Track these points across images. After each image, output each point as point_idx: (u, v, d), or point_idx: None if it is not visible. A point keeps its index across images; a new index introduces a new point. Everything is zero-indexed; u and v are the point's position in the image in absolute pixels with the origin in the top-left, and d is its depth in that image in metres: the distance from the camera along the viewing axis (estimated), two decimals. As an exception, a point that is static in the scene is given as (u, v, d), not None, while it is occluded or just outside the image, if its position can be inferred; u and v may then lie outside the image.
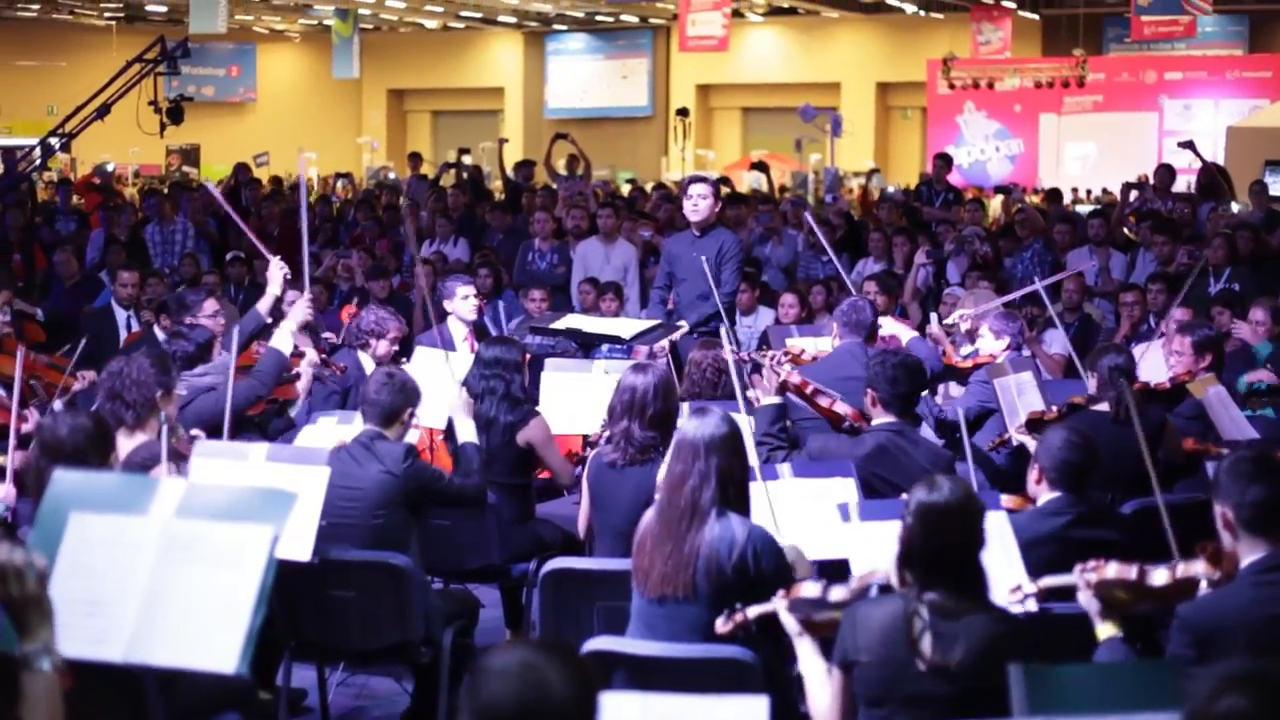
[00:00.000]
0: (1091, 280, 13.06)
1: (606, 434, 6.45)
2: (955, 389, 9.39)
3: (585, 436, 7.33)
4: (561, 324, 9.81)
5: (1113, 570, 4.43)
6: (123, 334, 11.16)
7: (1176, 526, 5.20)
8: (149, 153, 30.69)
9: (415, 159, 23.36)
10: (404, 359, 8.91)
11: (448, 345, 9.14)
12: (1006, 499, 5.99)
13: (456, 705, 2.94)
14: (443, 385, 7.62)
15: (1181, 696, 3.86)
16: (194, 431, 6.88)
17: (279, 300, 8.38)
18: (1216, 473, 4.51)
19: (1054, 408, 7.71)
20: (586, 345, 9.94)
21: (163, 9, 35.27)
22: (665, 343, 9.59)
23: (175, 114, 16.49)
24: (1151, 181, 17.18)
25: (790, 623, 4.58)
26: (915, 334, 8.74)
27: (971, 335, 9.42)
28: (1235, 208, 15.56)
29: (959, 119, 34.41)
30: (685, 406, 6.94)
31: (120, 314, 11.37)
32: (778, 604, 4.60)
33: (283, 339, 7.84)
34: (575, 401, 8.05)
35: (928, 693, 4.24)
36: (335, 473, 6.11)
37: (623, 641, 5.13)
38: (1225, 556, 4.45)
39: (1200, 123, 30.02)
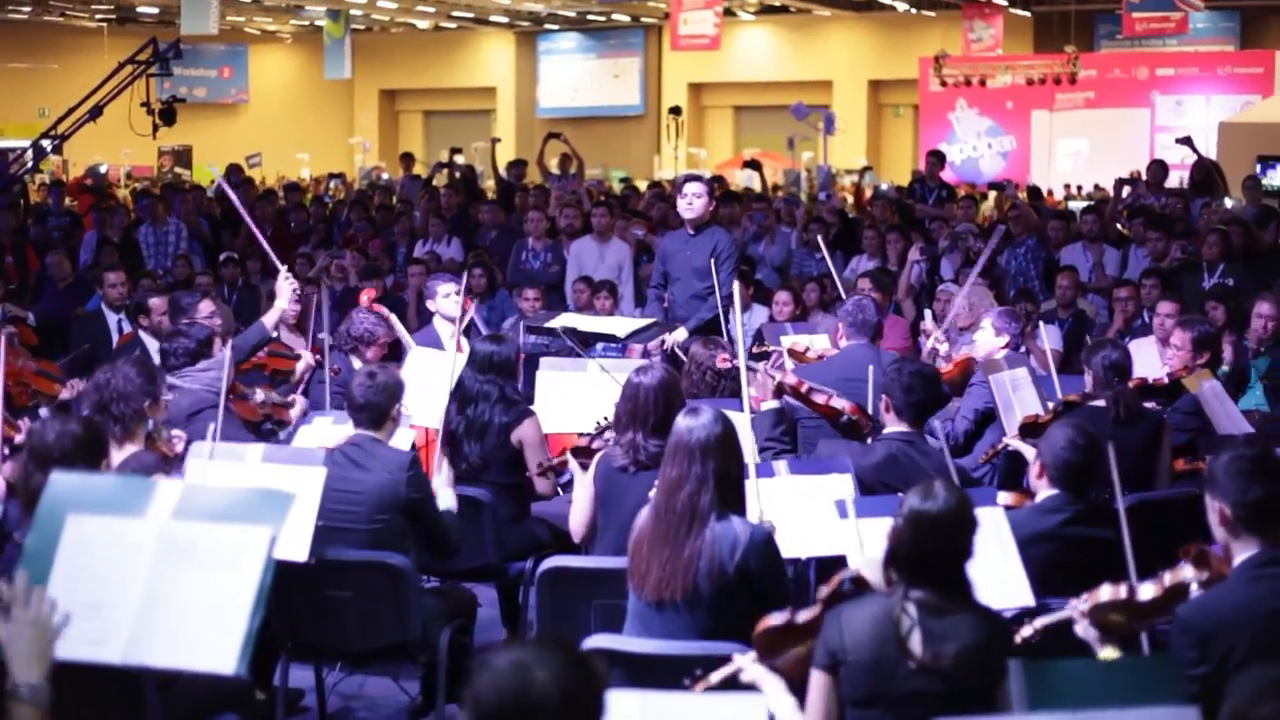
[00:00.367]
0: (1085, 277, 13.07)
1: (614, 437, 6.40)
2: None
3: (592, 436, 7.25)
4: (556, 323, 9.81)
5: (1104, 593, 4.45)
6: (114, 336, 11.11)
7: (1174, 522, 5.21)
8: (141, 154, 30.66)
9: (408, 159, 23.36)
10: (395, 364, 8.92)
11: (435, 345, 9.16)
12: (1005, 496, 5.99)
13: (460, 701, 2.94)
14: (437, 384, 7.64)
15: (1180, 691, 3.88)
16: (174, 433, 6.87)
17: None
18: (1213, 468, 4.50)
19: (1050, 405, 7.72)
20: (581, 344, 9.94)
21: (154, 10, 35.26)
22: (669, 342, 9.61)
23: (168, 115, 16.51)
24: (1144, 178, 17.21)
25: (756, 673, 4.50)
26: None
27: (970, 331, 9.42)
28: (1228, 203, 15.57)
29: (951, 116, 34.45)
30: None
31: (111, 317, 11.33)
32: (740, 661, 4.52)
33: (269, 319, 8.36)
34: (570, 400, 8.04)
35: (919, 691, 4.22)
36: (332, 475, 6.11)
37: (621, 640, 5.13)
38: (1210, 557, 4.46)
39: (1192, 119, 30.06)
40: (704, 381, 7.69)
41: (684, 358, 8.20)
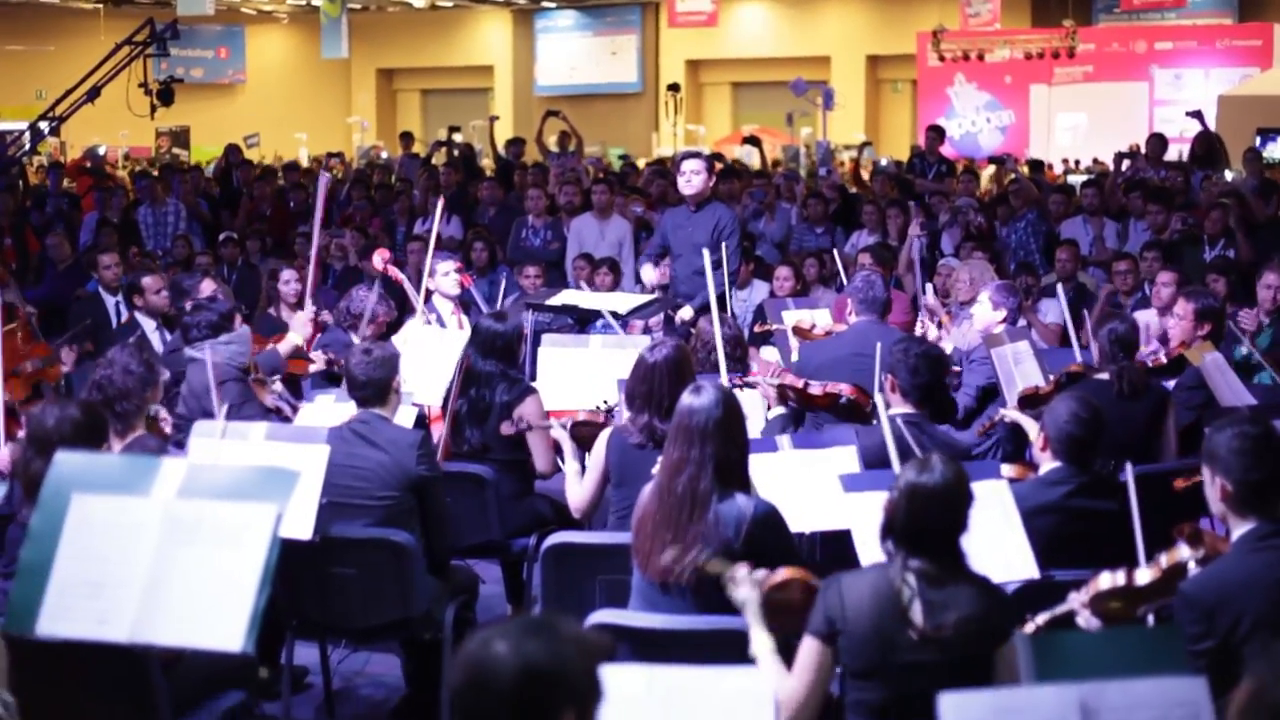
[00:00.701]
0: (1086, 250, 13.06)
1: (629, 416, 6.38)
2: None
3: (608, 412, 7.22)
4: (557, 300, 9.81)
5: (1103, 582, 4.44)
6: (114, 318, 11.09)
7: (1178, 495, 5.21)
8: (138, 135, 30.61)
9: (407, 138, 23.33)
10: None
11: (437, 322, 9.18)
12: (1008, 469, 5.99)
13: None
14: (439, 362, 7.64)
15: (1184, 661, 3.89)
16: (164, 415, 6.87)
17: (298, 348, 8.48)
18: (1215, 443, 4.48)
19: (1051, 378, 7.72)
20: (582, 321, 9.95)
21: (150, -9, 35.20)
22: (677, 319, 9.63)
23: (166, 96, 16.46)
24: (1143, 151, 17.19)
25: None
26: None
27: (969, 306, 9.42)
28: (1229, 175, 15.56)
29: (949, 91, 34.40)
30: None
31: (109, 299, 11.32)
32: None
33: (283, 347, 8.32)
34: (572, 377, 8.04)
35: (920, 661, 4.22)
36: (339, 452, 6.11)
37: (626, 615, 5.13)
38: (1205, 535, 4.47)
39: (1191, 92, 30.00)
40: (709, 361, 7.71)
41: (693, 333, 8.20)
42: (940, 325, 9.89)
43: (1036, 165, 21.10)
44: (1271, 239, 12.58)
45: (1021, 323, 9.22)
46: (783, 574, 4.49)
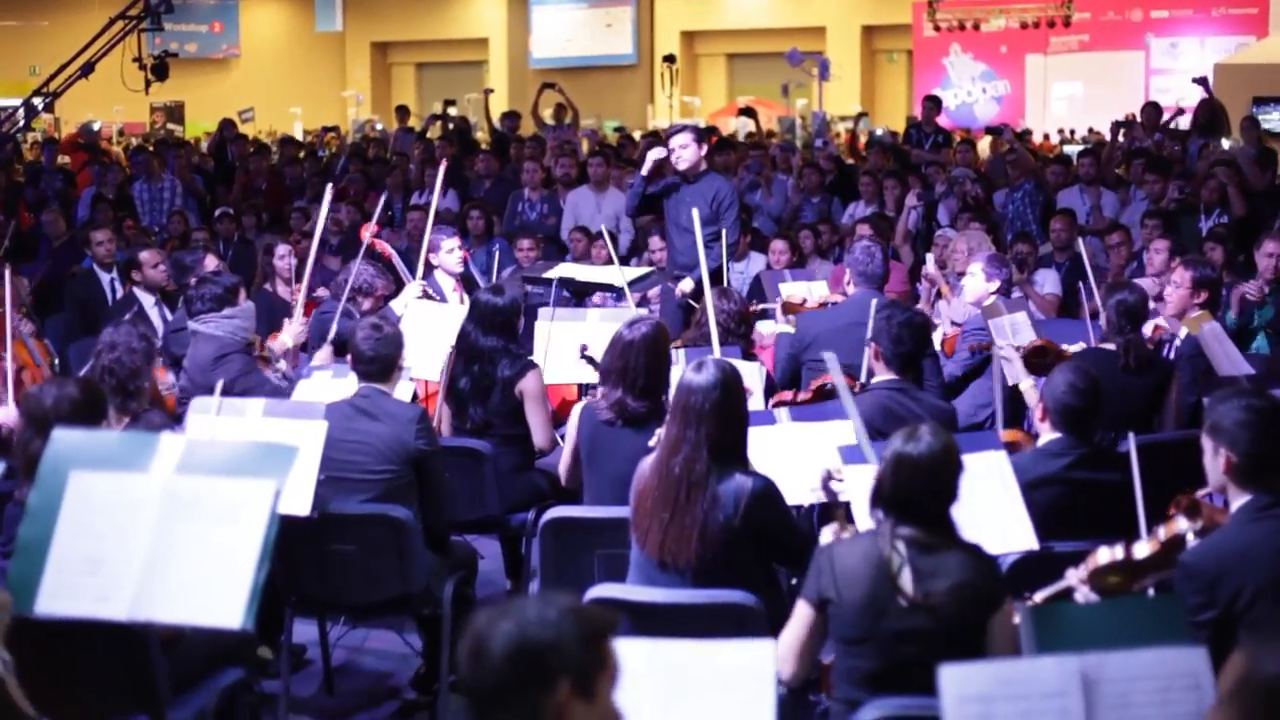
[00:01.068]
0: (1083, 220, 13.05)
1: (601, 391, 6.39)
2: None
3: (582, 387, 7.26)
4: (554, 273, 9.79)
5: (1102, 556, 4.45)
6: (109, 295, 11.06)
7: (1179, 465, 5.20)
8: (133, 111, 30.54)
9: (402, 112, 23.28)
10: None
11: (438, 297, 9.16)
12: (1005, 433, 5.98)
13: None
14: (438, 337, 7.62)
15: (1185, 632, 3.89)
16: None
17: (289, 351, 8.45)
18: (1221, 415, 4.47)
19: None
20: (579, 294, 9.93)
21: (143, -34, 35.02)
22: (678, 291, 9.62)
23: (160, 70, 16.42)
24: (1139, 120, 17.18)
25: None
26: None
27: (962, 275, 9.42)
28: (1226, 144, 15.54)
29: (945, 61, 34.32)
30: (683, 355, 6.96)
31: (104, 276, 11.28)
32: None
33: (277, 346, 8.23)
34: (569, 351, 8.02)
35: (911, 629, 4.26)
36: (340, 427, 6.10)
37: (625, 589, 5.14)
38: (1202, 506, 4.47)
39: (1187, 60, 29.93)
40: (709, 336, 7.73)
41: (695, 305, 8.18)
42: (940, 295, 9.89)
43: (1020, 136, 21.05)
44: (1269, 207, 12.58)
45: (1016, 294, 9.21)
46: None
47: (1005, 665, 3.51)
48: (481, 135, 22.71)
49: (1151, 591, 4.50)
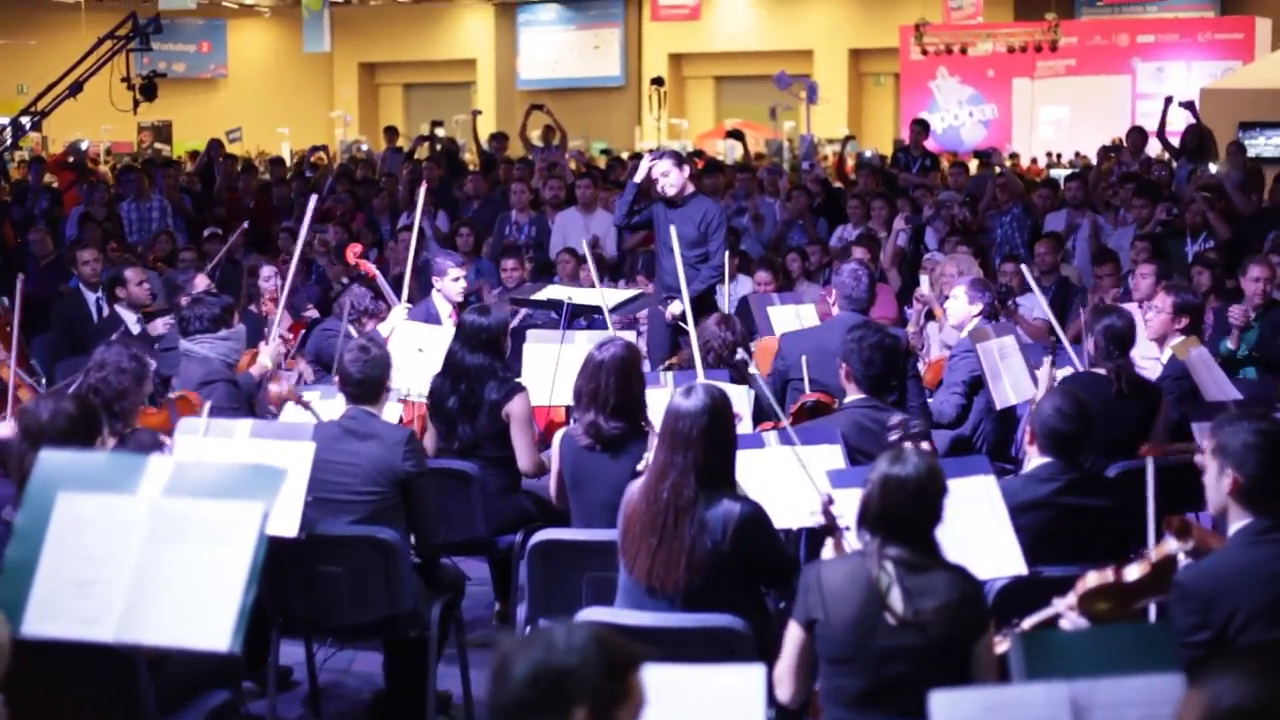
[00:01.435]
0: (1071, 245, 13.08)
1: (576, 415, 6.39)
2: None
3: (569, 409, 7.25)
4: (543, 295, 9.79)
5: (1091, 580, 4.45)
6: (94, 315, 11.03)
7: (1167, 488, 5.20)
8: (121, 130, 30.54)
9: (391, 132, 23.30)
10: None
11: (434, 320, 9.15)
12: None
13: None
14: (426, 359, 7.61)
15: (1175, 659, 3.88)
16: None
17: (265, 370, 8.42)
18: (1229, 435, 4.45)
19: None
20: (568, 316, 9.92)
21: (131, -15, 35.06)
22: (669, 315, 9.61)
23: (149, 90, 16.41)
24: (1125, 145, 17.23)
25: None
26: None
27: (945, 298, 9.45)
28: (1213, 168, 15.58)
29: (932, 85, 34.41)
30: (670, 378, 6.95)
31: (90, 296, 11.27)
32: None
33: (256, 370, 8.10)
34: (557, 373, 8.02)
35: (899, 647, 4.27)
36: (327, 448, 6.09)
37: (613, 612, 5.13)
38: (1193, 528, 4.47)
39: (1173, 85, 29.97)
40: (710, 360, 7.75)
41: (686, 327, 8.17)
42: (933, 317, 9.91)
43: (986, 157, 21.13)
44: (1255, 231, 12.62)
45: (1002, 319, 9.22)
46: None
47: (995, 692, 3.51)
48: (470, 156, 22.73)
49: (1154, 612, 4.50)
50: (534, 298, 9.80)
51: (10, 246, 15.45)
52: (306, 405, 7.19)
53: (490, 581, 7.70)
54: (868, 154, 23.98)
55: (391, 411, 7.17)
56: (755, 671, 3.63)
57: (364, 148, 30.85)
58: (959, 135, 33.59)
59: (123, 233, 15.20)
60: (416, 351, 8.04)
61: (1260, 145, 19.82)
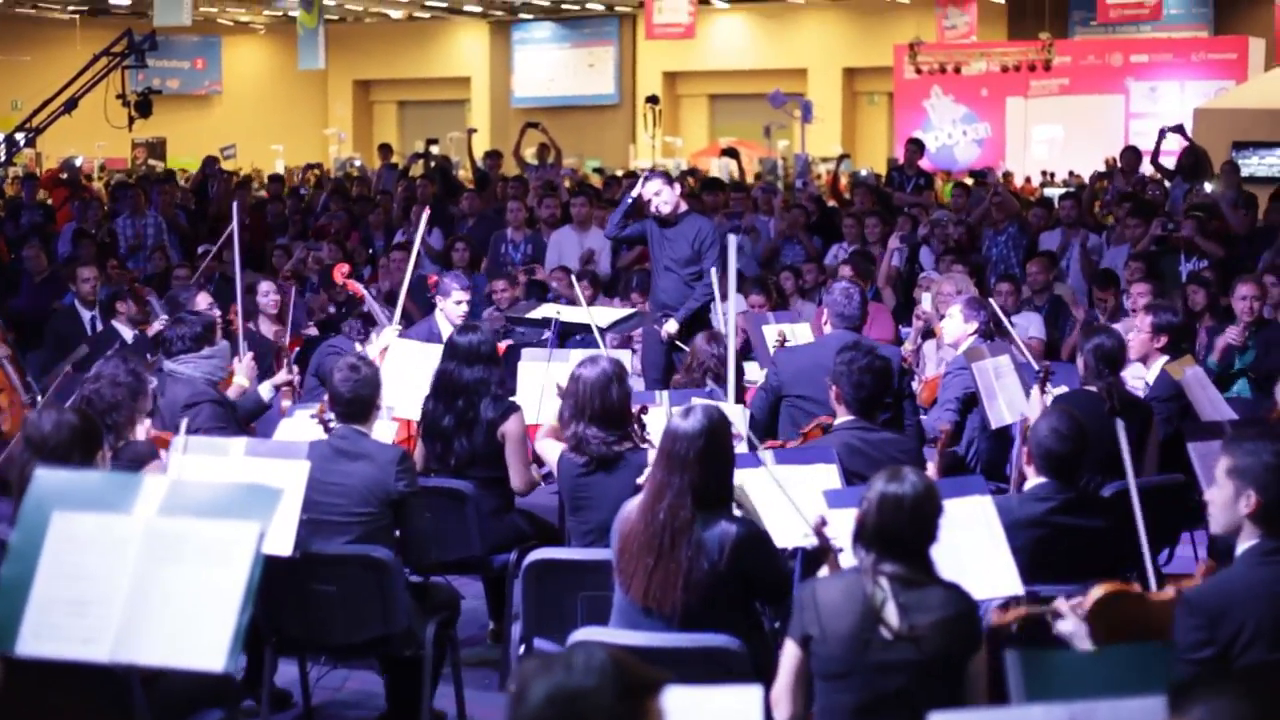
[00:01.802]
0: (1065, 264, 13.09)
1: (565, 433, 6.37)
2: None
3: None
4: (538, 313, 9.78)
5: (1108, 588, 4.48)
6: (89, 332, 11.03)
7: (1159, 509, 5.21)
8: (115, 147, 30.56)
9: (385, 150, 23.32)
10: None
11: (435, 339, 9.12)
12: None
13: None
14: (417, 375, 7.60)
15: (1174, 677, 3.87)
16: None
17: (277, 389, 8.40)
18: (1242, 453, 4.42)
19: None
20: (562, 334, 9.92)
21: (126, 2, 35.10)
22: (664, 334, 9.61)
23: (144, 107, 16.44)
24: (1119, 165, 17.25)
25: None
26: None
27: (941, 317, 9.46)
28: (1208, 188, 15.62)
29: (926, 104, 34.46)
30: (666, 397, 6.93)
31: (85, 313, 11.26)
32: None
33: (264, 390, 8.15)
34: (548, 392, 8.00)
35: (894, 661, 4.29)
36: (320, 468, 6.06)
37: (608, 632, 5.11)
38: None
39: (1166, 105, 30.10)
40: (699, 380, 7.74)
41: (684, 347, 8.17)
42: (932, 334, 9.91)
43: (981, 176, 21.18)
44: (1249, 250, 12.65)
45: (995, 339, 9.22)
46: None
47: (994, 713, 3.50)
48: (464, 174, 22.74)
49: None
50: (529, 316, 9.80)
51: (4, 263, 15.43)
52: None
53: (484, 600, 7.68)
54: (862, 173, 23.99)
55: (386, 430, 7.14)
56: (753, 693, 3.62)
57: (358, 164, 30.85)
58: (953, 154, 33.63)
59: (117, 249, 15.19)
60: (410, 370, 8.02)
61: (1254, 165, 19.89)
